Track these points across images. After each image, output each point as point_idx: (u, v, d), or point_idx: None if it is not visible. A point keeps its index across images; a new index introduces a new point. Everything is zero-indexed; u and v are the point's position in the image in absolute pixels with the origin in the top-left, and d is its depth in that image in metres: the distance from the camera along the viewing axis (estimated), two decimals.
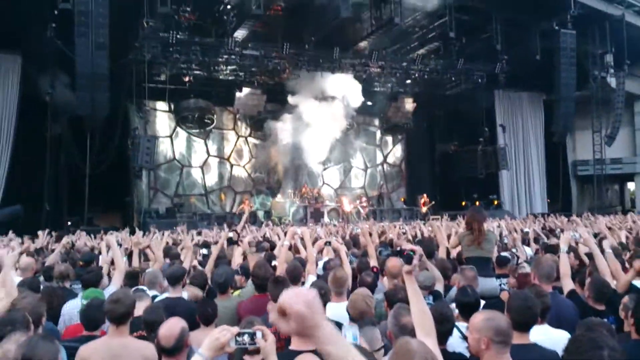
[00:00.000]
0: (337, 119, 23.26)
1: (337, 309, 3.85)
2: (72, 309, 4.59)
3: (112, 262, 6.11)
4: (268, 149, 24.91)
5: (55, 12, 15.92)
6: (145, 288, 4.92)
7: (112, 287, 4.63)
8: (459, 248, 6.22)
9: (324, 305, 3.80)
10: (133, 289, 4.73)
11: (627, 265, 4.98)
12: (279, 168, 25.17)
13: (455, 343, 3.31)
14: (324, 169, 26.75)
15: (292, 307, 1.33)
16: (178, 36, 18.19)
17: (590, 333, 2.41)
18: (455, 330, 3.37)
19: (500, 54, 22.26)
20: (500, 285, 5.40)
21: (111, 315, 3.41)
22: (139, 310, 3.72)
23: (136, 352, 3.29)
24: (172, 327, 2.91)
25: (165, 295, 4.87)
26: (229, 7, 18.30)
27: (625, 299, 3.34)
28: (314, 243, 5.85)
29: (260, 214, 22.67)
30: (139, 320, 3.63)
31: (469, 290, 3.71)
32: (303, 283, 4.78)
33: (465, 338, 3.38)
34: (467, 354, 3.07)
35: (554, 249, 5.94)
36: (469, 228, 5.82)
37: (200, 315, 3.84)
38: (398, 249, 6.98)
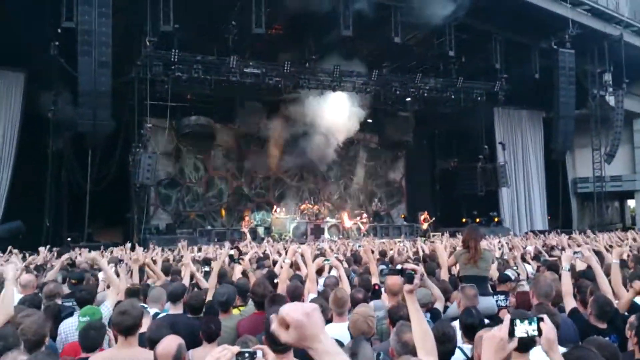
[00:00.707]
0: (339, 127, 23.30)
1: (339, 329, 3.84)
2: (68, 327, 4.57)
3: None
4: (267, 163, 25.00)
5: (59, 30, 16.15)
6: (145, 305, 4.92)
7: (107, 303, 4.61)
8: (457, 266, 6.22)
9: (325, 323, 3.79)
10: None
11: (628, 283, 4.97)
12: (280, 181, 25.26)
13: None
14: (325, 185, 26.79)
15: (291, 316, 1.36)
16: (180, 54, 18.37)
17: (577, 351, 2.41)
18: (458, 351, 3.35)
19: (500, 72, 22.47)
20: (497, 301, 5.39)
21: (119, 327, 3.39)
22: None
23: None
24: (168, 345, 2.87)
25: (155, 310, 4.88)
26: (230, 26, 18.51)
27: (632, 318, 3.33)
28: (315, 259, 5.86)
29: (261, 230, 22.62)
30: (142, 336, 3.63)
31: (474, 311, 3.68)
32: (303, 302, 4.78)
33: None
34: None
35: (555, 267, 5.94)
36: (465, 246, 5.84)
37: (204, 332, 3.83)
38: (398, 266, 6.97)
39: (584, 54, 22.58)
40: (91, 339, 3.61)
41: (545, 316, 2.05)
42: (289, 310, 1.38)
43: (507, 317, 2.03)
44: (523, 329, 1.99)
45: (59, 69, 17.03)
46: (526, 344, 3.04)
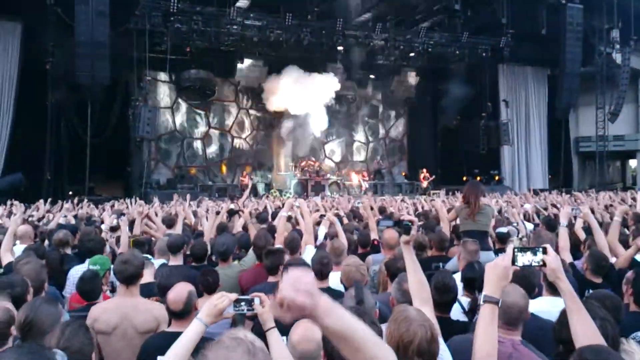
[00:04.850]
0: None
1: (336, 277, 3.93)
2: (77, 275, 4.64)
3: (113, 230, 6.15)
4: (269, 120, 24.82)
5: None
6: (150, 257, 4.98)
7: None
8: (457, 221, 6.27)
9: (328, 274, 3.88)
10: None
11: (630, 241, 5.00)
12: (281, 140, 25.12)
13: (455, 316, 3.37)
14: (326, 143, 26.69)
15: (294, 302, 1.28)
16: (179, 5, 17.97)
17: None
18: (456, 304, 3.41)
19: (506, 27, 21.98)
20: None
21: (121, 275, 3.47)
22: (145, 277, 3.78)
23: (146, 312, 3.36)
24: (179, 291, 2.99)
25: (161, 261, 4.94)
26: None
27: (629, 273, 3.38)
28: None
29: (261, 186, 22.69)
30: (147, 287, 3.69)
31: (476, 265, 3.74)
32: (300, 253, 4.86)
33: (466, 312, 3.44)
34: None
35: (553, 224, 5.97)
36: (466, 202, 5.87)
37: (202, 284, 3.87)
38: (397, 220, 7.03)
39: (591, 10, 22.08)
40: (85, 290, 3.78)
41: (548, 246, 2.07)
42: (290, 294, 1.28)
43: (510, 247, 2.08)
44: (526, 258, 2.06)
45: (56, 19, 16.70)
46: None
